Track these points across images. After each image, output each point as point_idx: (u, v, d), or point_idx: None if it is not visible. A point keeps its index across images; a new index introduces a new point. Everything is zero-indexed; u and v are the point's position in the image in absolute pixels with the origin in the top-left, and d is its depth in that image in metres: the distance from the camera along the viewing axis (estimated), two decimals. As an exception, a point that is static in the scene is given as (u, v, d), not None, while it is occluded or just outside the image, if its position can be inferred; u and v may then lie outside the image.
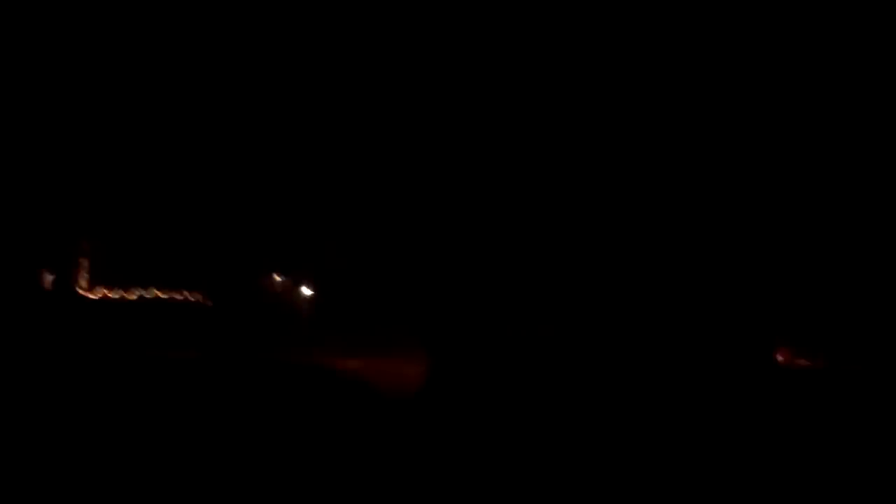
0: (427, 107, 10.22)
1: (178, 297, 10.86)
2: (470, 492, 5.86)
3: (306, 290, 11.20)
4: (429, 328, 9.14)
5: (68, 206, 10.72)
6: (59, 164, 10.53)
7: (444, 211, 10.06)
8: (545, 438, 7.16)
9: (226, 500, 5.41)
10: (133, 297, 10.83)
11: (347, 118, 10.62)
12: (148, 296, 10.81)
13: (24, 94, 10.27)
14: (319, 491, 5.70)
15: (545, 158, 10.17)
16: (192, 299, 10.88)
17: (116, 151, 10.85)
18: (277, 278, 11.36)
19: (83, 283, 10.77)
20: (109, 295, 10.76)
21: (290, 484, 5.76)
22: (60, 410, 7.16)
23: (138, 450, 6.25)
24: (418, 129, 10.24)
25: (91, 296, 10.75)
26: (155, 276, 11.10)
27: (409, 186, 10.22)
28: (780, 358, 10.55)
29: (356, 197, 10.58)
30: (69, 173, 10.64)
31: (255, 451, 6.36)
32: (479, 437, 7.08)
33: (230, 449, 6.37)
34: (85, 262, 10.92)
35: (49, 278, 10.59)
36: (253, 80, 10.80)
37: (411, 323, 9.46)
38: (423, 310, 9.50)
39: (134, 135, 10.86)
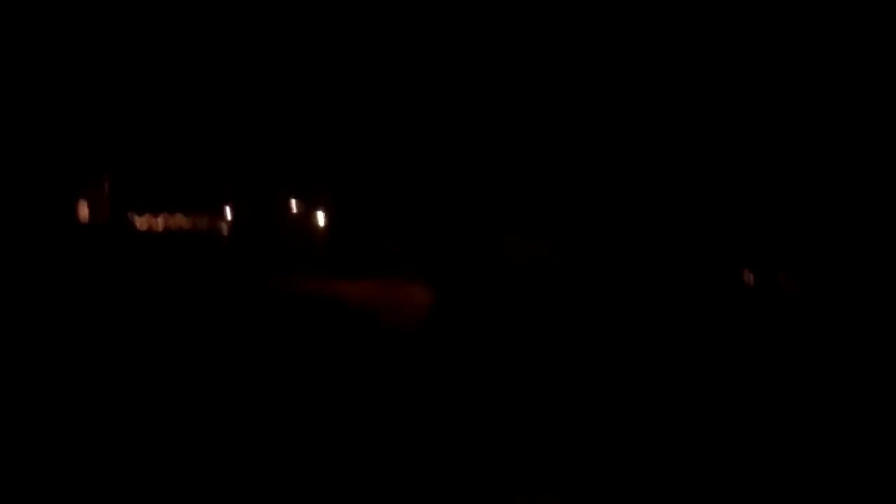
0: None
1: (202, 222, 11.48)
2: (471, 416, 6.31)
3: (321, 217, 11.71)
4: (431, 267, 9.56)
5: (98, 137, 11.15)
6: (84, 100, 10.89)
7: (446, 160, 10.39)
8: (540, 364, 7.60)
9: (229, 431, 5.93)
10: (159, 226, 11.45)
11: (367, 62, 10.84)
12: (172, 226, 11.43)
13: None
14: (323, 418, 6.20)
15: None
16: (215, 225, 11.50)
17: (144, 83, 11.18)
18: (294, 203, 11.87)
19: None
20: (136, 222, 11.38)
21: (293, 413, 6.27)
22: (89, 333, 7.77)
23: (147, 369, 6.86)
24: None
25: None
26: (180, 201, 11.67)
27: (415, 134, 10.56)
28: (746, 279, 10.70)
29: (369, 134, 10.94)
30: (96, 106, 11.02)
31: (261, 378, 6.91)
32: (480, 367, 7.53)
33: (235, 375, 6.92)
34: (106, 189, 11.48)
35: (85, 210, 11.13)
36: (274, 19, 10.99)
37: (415, 259, 9.90)
38: (427, 249, 9.90)
39: (155, 67, 11.17)
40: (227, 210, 11.59)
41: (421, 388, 6.97)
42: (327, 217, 11.73)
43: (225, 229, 11.59)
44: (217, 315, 8.63)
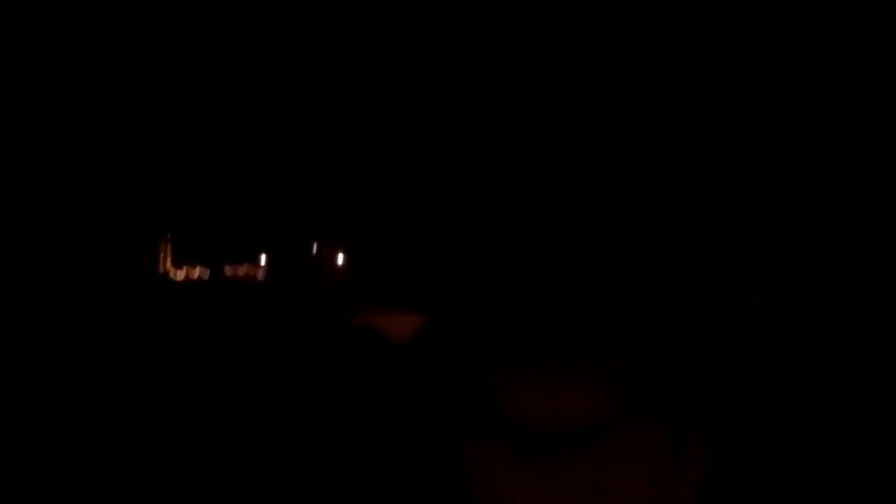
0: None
1: (241, 271, 13.89)
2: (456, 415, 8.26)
3: (341, 257, 14.03)
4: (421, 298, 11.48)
5: (150, 199, 13.25)
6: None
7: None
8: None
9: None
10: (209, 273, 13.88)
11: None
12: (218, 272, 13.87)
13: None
14: (339, 416, 8.37)
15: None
16: (252, 273, 13.90)
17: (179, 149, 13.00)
18: (315, 247, 14.18)
19: (169, 264, 13.80)
20: (190, 273, 13.79)
21: (314, 411, 8.50)
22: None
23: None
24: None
25: (177, 276, 13.79)
26: (223, 252, 13.99)
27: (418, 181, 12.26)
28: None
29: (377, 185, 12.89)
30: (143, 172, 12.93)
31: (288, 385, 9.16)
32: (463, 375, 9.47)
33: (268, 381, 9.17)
34: (168, 247, 13.87)
35: (145, 264, 13.49)
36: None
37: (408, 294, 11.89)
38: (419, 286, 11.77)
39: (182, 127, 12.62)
40: (263, 258, 14.00)
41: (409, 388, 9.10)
42: (346, 257, 14.04)
43: (262, 274, 13.99)
44: (270, 333, 11.01)
